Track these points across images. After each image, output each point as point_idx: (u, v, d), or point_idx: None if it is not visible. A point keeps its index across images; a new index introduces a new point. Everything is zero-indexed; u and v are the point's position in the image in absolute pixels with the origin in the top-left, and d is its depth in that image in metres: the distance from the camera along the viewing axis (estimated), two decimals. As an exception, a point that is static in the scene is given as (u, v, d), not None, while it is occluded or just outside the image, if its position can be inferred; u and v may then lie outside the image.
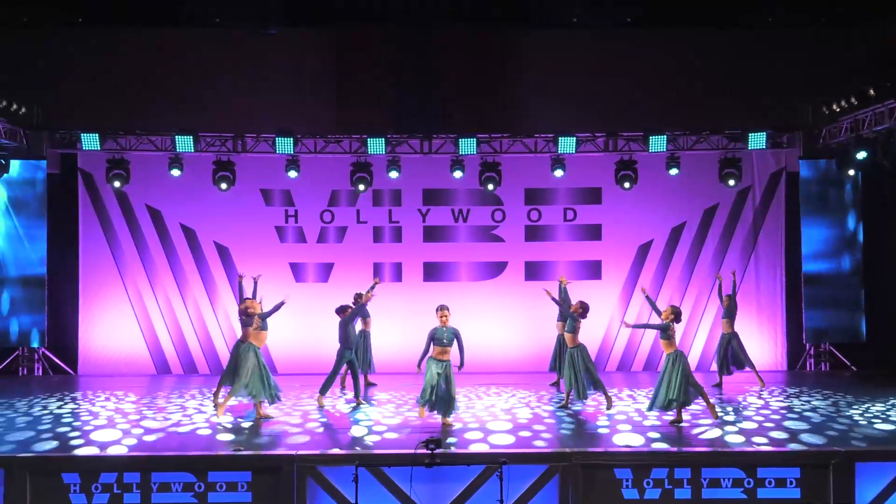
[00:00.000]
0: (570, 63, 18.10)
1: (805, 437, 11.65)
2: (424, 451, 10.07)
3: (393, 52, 17.98)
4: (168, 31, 17.88)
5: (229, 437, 11.91)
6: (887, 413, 13.23)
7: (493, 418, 13.02)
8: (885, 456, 10.80)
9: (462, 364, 12.64)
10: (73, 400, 14.73)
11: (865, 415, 13.12)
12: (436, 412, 12.63)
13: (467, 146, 17.10)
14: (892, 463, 10.69)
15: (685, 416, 12.56)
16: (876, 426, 12.33)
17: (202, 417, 13.20)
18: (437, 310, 12.82)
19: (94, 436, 11.93)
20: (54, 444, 11.43)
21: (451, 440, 11.50)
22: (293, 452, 10.78)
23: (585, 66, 18.10)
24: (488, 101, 17.92)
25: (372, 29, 17.95)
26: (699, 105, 17.83)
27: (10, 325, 17.65)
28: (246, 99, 17.91)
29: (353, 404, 14.01)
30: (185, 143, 17.00)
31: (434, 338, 12.62)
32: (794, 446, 11.17)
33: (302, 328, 17.72)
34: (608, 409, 13.57)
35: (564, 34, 18.12)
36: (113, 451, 11.06)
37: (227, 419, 12.87)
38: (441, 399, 12.47)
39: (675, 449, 11.08)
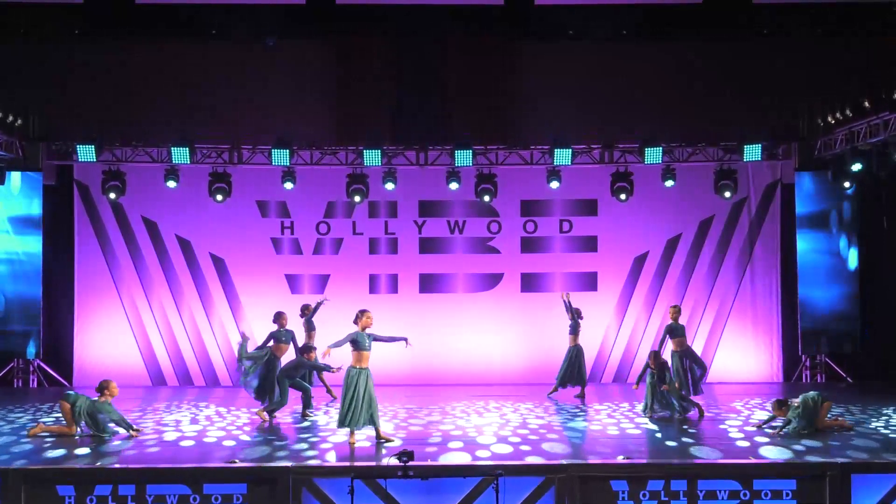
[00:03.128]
0: (570, 74, 18.14)
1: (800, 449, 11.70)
2: (397, 463, 10.06)
3: (393, 62, 17.99)
4: (166, 42, 17.87)
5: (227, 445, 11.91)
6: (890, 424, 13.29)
7: (492, 430, 13.02)
8: (882, 468, 10.80)
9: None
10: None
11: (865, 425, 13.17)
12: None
13: (463, 158, 17.09)
14: (888, 475, 10.68)
15: None
16: (873, 437, 12.37)
17: (197, 429, 13.20)
18: (362, 313, 12.24)
19: (87, 446, 11.93)
20: (50, 454, 11.43)
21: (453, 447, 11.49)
22: (289, 464, 10.77)
23: (584, 77, 18.14)
24: (488, 112, 17.92)
25: (372, 39, 17.96)
26: (698, 114, 17.84)
27: (6, 337, 17.63)
28: (245, 109, 17.92)
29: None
30: (181, 155, 16.99)
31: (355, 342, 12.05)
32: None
33: (298, 340, 17.69)
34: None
35: (563, 46, 18.16)
36: (108, 463, 11.04)
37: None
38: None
39: (671, 461, 11.10)
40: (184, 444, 12.24)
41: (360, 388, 11.94)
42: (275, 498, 10.45)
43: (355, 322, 12.21)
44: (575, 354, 16.08)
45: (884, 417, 13.89)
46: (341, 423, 11.98)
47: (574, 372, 16.04)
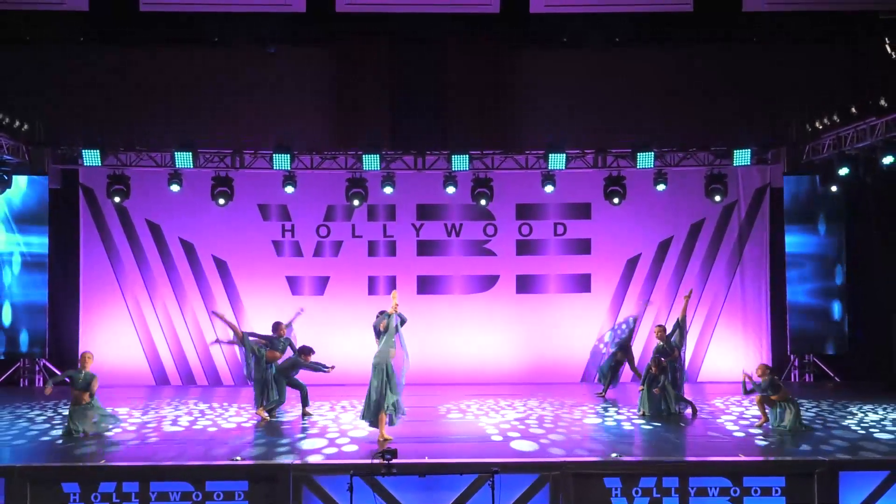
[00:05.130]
0: (564, 80, 18.18)
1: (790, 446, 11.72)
2: (381, 460, 10.06)
3: (391, 68, 17.99)
4: (169, 48, 17.88)
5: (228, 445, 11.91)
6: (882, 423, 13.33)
7: (488, 428, 13.02)
8: (868, 465, 10.80)
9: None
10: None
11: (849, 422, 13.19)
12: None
13: (460, 162, 17.12)
14: (874, 472, 10.69)
15: None
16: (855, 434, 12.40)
17: (200, 426, 13.20)
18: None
19: (94, 445, 11.92)
20: (54, 453, 11.42)
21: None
22: (289, 462, 10.75)
23: (578, 83, 18.17)
24: (484, 117, 17.93)
25: (371, 46, 17.96)
26: (689, 120, 17.86)
27: (12, 337, 17.59)
28: (246, 115, 17.94)
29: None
30: (184, 159, 17.01)
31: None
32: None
33: (298, 341, 17.65)
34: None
35: (557, 53, 18.17)
36: (112, 460, 11.02)
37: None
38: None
39: (663, 458, 11.10)
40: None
41: None
42: (275, 495, 10.44)
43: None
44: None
45: (868, 414, 13.96)
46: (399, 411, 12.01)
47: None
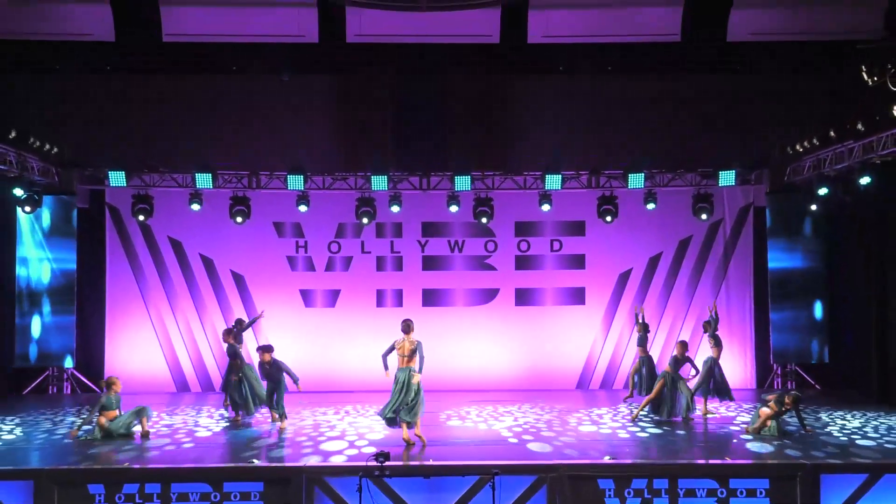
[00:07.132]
0: (560, 106, 18.11)
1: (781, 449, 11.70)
2: (375, 463, 10.08)
3: (398, 94, 17.99)
4: (190, 76, 17.90)
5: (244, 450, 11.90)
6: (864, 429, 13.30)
7: (495, 431, 13.01)
8: (848, 468, 10.79)
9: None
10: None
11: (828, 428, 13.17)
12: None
13: (462, 183, 17.19)
14: (854, 475, 10.68)
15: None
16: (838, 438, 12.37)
17: (219, 429, 13.20)
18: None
19: (117, 448, 11.93)
20: (81, 455, 11.42)
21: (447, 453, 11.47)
22: (302, 464, 10.77)
23: (573, 108, 18.08)
24: (485, 140, 17.94)
25: (379, 73, 17.98)
26: (677, 143, 17.79)
27: (42, 347, 17.62)
28: (262, 138, 17.91)
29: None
30: (204, 180, 17.08)
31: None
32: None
33: (311, 350, 17.75)
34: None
35: (554, 80, 18.17)
36: (136, 463, 11.03)
37: None
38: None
39: (653, 461, 11.09)
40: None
41: None
42: (289, 495, 10.46)
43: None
44: (644, 363, 15.63)
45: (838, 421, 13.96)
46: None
47: (646, 380, 15.61)
